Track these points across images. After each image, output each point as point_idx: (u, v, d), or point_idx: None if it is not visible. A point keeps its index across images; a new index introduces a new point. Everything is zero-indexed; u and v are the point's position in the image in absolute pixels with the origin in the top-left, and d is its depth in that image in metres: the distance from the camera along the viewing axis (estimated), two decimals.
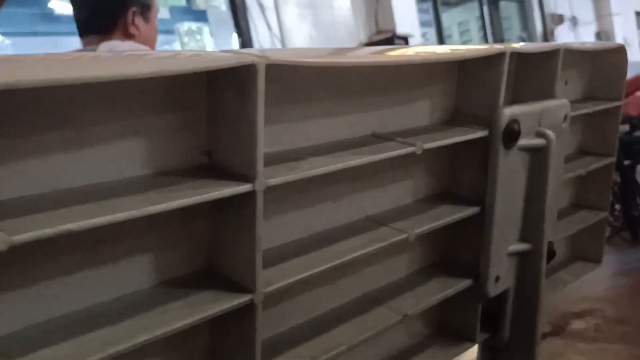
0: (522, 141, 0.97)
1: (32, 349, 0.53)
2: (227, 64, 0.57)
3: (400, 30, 6.98)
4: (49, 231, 0.48)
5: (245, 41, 6.59)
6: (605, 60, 1.30)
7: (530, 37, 9.93)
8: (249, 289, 0.66)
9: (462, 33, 10.17)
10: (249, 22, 6.19)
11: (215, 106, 0.65)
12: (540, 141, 0.99)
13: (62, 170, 0.57)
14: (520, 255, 1.06)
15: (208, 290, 0.67)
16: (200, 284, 0.68)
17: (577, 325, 2.83)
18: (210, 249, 0.71)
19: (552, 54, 1.03)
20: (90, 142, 0.59)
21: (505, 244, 1.02)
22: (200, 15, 7.96)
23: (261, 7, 6.18)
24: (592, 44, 1.20)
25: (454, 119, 1.00)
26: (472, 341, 1.07)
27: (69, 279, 0.60)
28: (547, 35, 9.88)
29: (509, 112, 0.93)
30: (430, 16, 8.38)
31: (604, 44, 1.21)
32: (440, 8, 8.60)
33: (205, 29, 8.33)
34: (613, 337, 2.65)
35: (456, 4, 9.85)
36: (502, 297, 1.08)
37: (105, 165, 0.60)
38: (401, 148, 0.80)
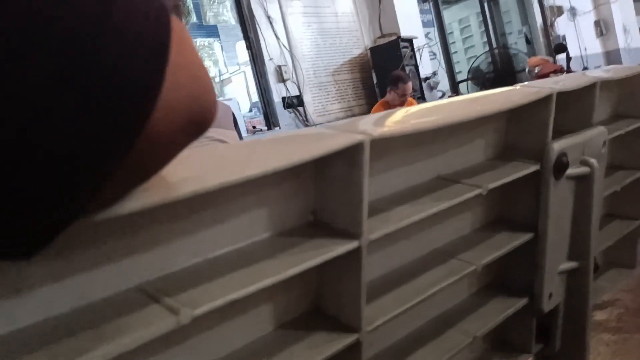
0: (569, 171, 1.07)
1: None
2: (341, 146, 0.67)
3: (404, 32, 7.08)
4: (219, 302, 0.58)
5: (255, 53, 6.69)
6: (632, 80, 1.40)
7: (531, 30, 10.01)
8: (355, 329, 0.76)
9: (462, 30, 10.27)
10: (258, 33, 6.30)
11: (323, 174, 0.75)
12: (585, 169, 1.09)
13: (207, 242, 0.67)
14: (569, 272, 1.16)
15: (317, 332, 0.77)
16: (310, 325, 0.78)
17: (600, 316, 2.92)
18: (317, 294, 0.81)
19: (590, 87, 1.13)
20: (226, 217, 0.69)
21: (556, 264, 1.12)
22: (211, 30, 8.07)
23: (268, 18, 6.29)
24: (624, 70, 1.30)
25: (505, 153, 1.10)
26: (528, 352, 1.17)
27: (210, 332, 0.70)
28: (547, 28, 9.97)
29: (558, 146, 1.03)
30: (431, 15, 8.47)
31: (635, 70, 1.30)
32: (441, 7, 8.70)
33: (217, 44, 8.44)
34: (636, 327, 2.74)
35: (456, 1, 9.94)
36: (553, 311, 1.18)
37: (237, 234, 0.70)
38: (469, 191, 0.90)
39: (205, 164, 0.62)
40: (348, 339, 0.76)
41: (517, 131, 1.08)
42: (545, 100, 1.01)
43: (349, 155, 0.70)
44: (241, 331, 0.74)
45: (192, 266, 0.66)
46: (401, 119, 0.84)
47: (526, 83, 1.13)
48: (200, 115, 0.44)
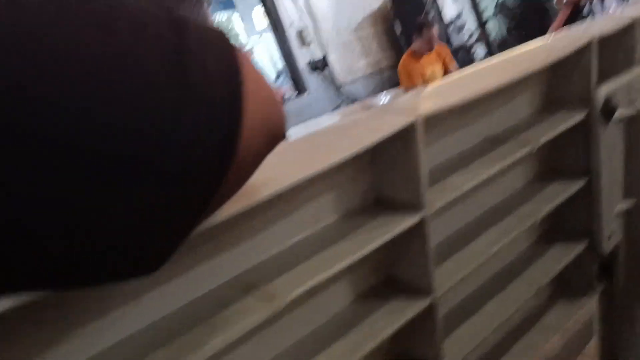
0: (618, 114, 1.07)
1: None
2: (395, 130, 0.71)
3: None
4: (305, 287, 0.65)
5: (274, 19, 6.67)
6: None
7: None
8: (427, 293, 0.82)
9: None
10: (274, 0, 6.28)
11: (381, 155, 0.80)
12: (633, 110, 1.10)
13: (284, 232, 0.74)
14: (627, 211, 1.18)
15: (393, 299, 0.83)
16: (386, 294, 0.84)
17: None
18: (389, 264, 0.87)
19: (628, 28, 1.12)
20: (298, 207, 0.75)
21: (613, 205, 1.14)
22: (227, 3, 8.06)
23: None
24: None
25: (550, 104, 1.12)
26: (592, 292, 1.21)
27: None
28: None
29: (603, 90, 1.04)
30: None
31: None
32: None
33: (235, 15, 8.41)
34: None
35: None
36: (613, 250, 1.20)
37: (309, 220, 0.76)
38: (519, 150, 0.93)
39: (275, 164, 0.67)
40: (422, 303, 0.81)
41: (559, 82, 1.09)
42: (585, 48, 1.02)
43: (404, 136, 0.74)
44: (323, 307, 0.80)
45: (275, 256, 0.72)
46: (447, 90, 0.87)
47: (561, 32, 1.14)
48: (276, 128, 0.49)
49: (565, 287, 1.23)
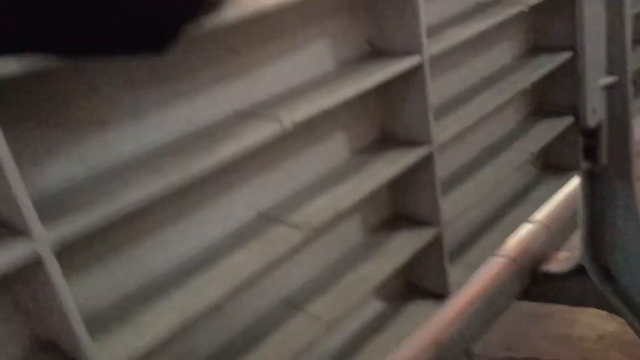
0: None
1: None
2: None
3: None
4: (315, 108, 0.64)
5: None
6: None
7: None
8: (425, 142, 0.83)
9: None
10: None
11: (374, 2, 0.79)
12: None
13: (284, 72, 0.73)
14: (609, 88, 1.20)
15: (389, 151, 0.84)
16: (381, 148, 0.85)
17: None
18: (383, 121, 0.87)
19: None
20: (299, 47, 0.74)
21: (596, 78, 1.16)
22: None
23: None
24: None
25: None
26: (577, 169, 1.24)
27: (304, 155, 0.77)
28: None
29: None
30: None
31: None
32: None
33: None
34: None
35: None
36: (597, 129, 1.23)
37: (311, 63, 0.76)
38: (512, 8, 0.93)
39: None
40: (421, 152, 0.82)
41: None
42: None
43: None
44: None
45: (277, 94, 0.71)
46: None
47: None
48: None
49: (551, 166, 1.26)
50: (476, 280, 1.47)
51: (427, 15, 0.87)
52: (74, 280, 0.57)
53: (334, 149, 0.82)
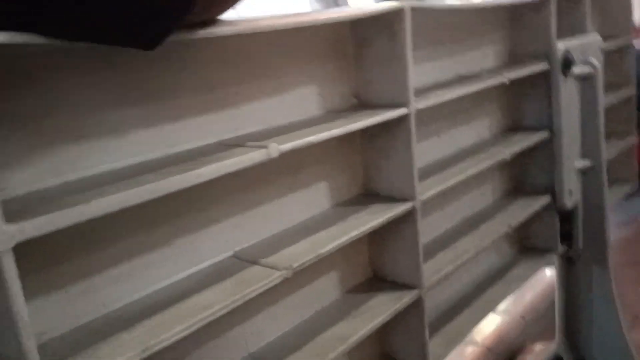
0: (575, 70, 1.14)
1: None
2: (379, 11, 0.72)
3: None
4: (300, 142, 0.63)
5: None
6: None
7: None
8: (409, 198, 0.81)
9: None
10: None
11: (362, 53, 0.80)
12: (588, 69, 1.16)
13: (271, 111, 0.72)
14: (584, 173, 1.22)
15: (372, 205, 0.81)
16: (364, 202, 0.83)
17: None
18: (367, 175, 0.85)
19: None
20: (286, 88, 0.73)
21: (572, 161, 1.18)
22: None
23: None
24: None
25: (512, 59, 1.17)
26: (554, 252, 1.23)
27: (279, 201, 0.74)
28: None
29: (563, 45, 1.10)
30: None
31: None
32: None
33: None
34: (631, 279, 2.83)
35: None
36: (573, 212, 1.24)
37: (298, 106, 0.75)
38: (491, 80, 0.96)
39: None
40: (405, 207, 0.80)
41: (522, 36, 1.15)
42: (539, 2, 1.08)
43: (389, 26, 0.75)
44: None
45: (263, 130, 0.70)
46: None
47: None
48: None
49: (527, 249, 1.25)
50: None
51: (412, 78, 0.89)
52: (28, 302, 0.51)
53: (316, 197, 0.80)
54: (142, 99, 0.59)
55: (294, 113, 0.75)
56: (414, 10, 0.76)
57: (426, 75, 0.98)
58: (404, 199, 0.81)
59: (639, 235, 2.95)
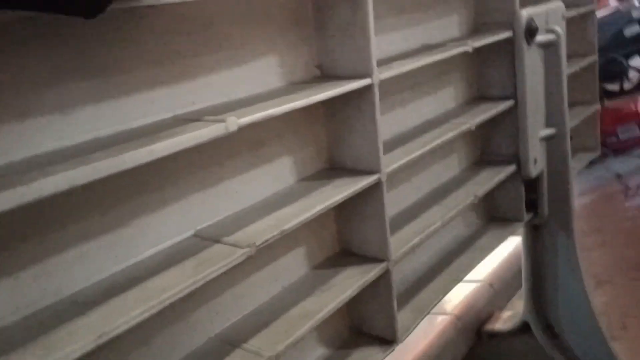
0: (539, 37, 1.13)
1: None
2: None
3: None
4: (259, 115, 0.60)
5: None
6: None
7: None
8: (375, 170, 0.80)
9: None
10: None
11: (324, 22, 0.78)
12: (552, 36, 1.16)
13: (229, 82, 0.69)
14: (548, 141, 1.23)
15: (337, 179, 0.80)
16: (329, 176, 0.81)
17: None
18: (330, 148, 0.84)
19: None
20: (245, 59, 0.70)
21: (537, 129, 1.18)
22: None
23: None
24: None
25: (477, 28, 1.16)
26: (520, 220, 1.24)
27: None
28: None
29: (526, 13, 1.09)
30: None
31: None
32: None
33: None
34: (594, 245, 2.91)
35: None
36: (538, 180, 1.25)
37: (258, 78, 0.72)
38: (456, 49, 0.95)
39: None
40: (370, 179, 0.79)
41: (486, 4, 1.14)
42: None
43: None
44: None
45: (221, 104, 0.67)
46: None
47: None
48: None
49: (495, 217, 1.26)
50: (421, 339, 1.42)
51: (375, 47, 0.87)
52: None
53: (279, 172, 0.78)
54: (90, 73, 0.55)
55: (253, 85, 0.73)
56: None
57: (390, 45, 0.96)
58: (369, 172, 0.80)
59: (601, 202, 3.02)
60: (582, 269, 1.33)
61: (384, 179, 0.80)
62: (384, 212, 0.81)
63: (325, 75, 0.81)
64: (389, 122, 0.96)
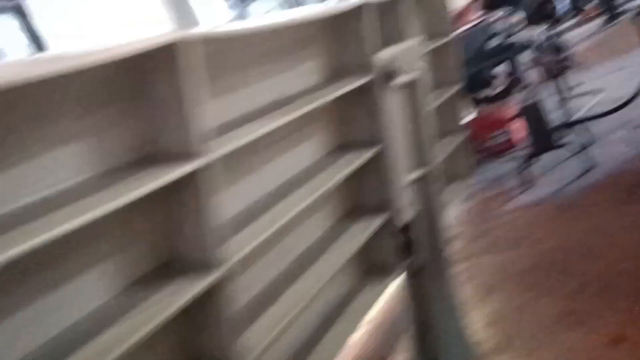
0: (398, 79, 1.07)
1: None
2: (146, 47, 0.58)
3: None
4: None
5: None
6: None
7: None
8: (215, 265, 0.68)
9: None
10: None
11: (148, 95, 0.65)
12: (411, 75, 1.11)
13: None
14: (419, 182, 1.18)
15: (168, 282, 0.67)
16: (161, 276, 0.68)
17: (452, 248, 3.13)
18: (163, 242, 0.71)
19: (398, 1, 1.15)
20: (49, 147, 0.56)
21: (405, 174, 1.12)
22: None
23: None
24: None
25: (337, 72, 1.08)
26: (398, 269, 1.17)
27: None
28: None
29: (384, 55, 1.03)
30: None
31: None
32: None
33: None
34: (480, 250, 2.99)
35: None
36: (412, 225, 1.19)
37: (67, 169, 0.58)
38: (315, 102, 0.86)
39: None
40: (210, 279, 0.67)
41: (343, 49, 1.07)
42: (359, 11, 1.00)
43: (165, 63, 0.61)
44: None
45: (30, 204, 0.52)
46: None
47: None
48: None
49: (373, 268, 1.19)
50: None
51: (216, 113, 0.76)
52: None
53: (97, 284, 0.63)
54: None
55: (62, 178, 0.58)
56: (195, 42, 0.62)
57: (238, 104, 0.85)
58: (211, 267, 0.68)
59: (482, 207, 3.11)
60: (460, 307, 1.30)
61: (228, 276, 0.68)
62: (229, 315, 0.69)
63: (152, 156, 0.68)
64: (241, 193, 0.84)
